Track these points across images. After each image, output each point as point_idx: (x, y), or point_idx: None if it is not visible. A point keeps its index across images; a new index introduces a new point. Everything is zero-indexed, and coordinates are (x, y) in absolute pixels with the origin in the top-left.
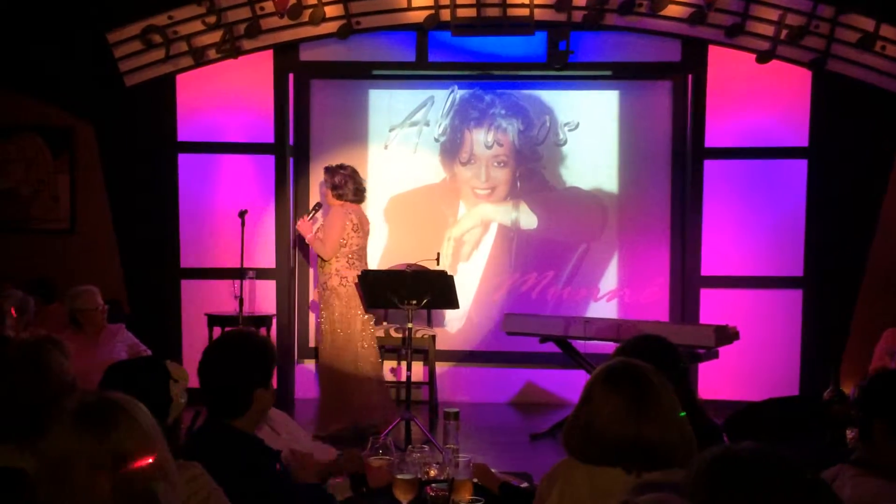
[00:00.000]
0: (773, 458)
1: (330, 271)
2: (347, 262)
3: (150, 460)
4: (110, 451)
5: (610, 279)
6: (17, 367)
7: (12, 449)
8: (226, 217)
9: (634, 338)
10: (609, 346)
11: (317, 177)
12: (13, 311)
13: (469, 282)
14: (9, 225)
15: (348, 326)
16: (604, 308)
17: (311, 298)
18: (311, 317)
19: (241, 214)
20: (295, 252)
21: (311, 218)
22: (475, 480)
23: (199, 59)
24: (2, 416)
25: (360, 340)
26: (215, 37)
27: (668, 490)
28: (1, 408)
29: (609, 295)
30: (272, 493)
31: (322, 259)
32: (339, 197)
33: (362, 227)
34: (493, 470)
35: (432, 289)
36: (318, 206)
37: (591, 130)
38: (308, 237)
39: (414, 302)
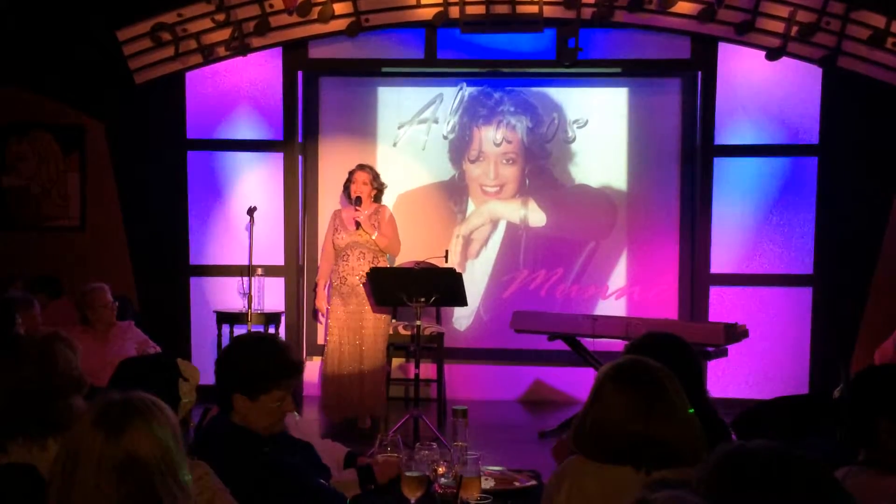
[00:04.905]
0: (785, 456)
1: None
2: None
3: (161, 465)
4: (119, 453)
5: (619, 277)
6: (22, 363)
7: (20, 445)
8: (235, 214)
9: (644, 335)
10: (618, 344)
11: (326, 174)
12: (37, 307)
13: (478, 279)
14: (20, 222)
15: None
16: (612, 306)
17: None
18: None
19: (250, 212)
20: (304, 249)
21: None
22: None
23: (209, 56)
24: (8, 411)
25: None
26: (224, 34)
27: (680, 488)
28: (7, 403)
29: (618, 292)
30: (283, 488)
31: (376, 251)
32: (379, 196)
33: None
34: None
35: (441, 286)
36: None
37: (600, 128)
38: (374, 235)
39: (423, 299)
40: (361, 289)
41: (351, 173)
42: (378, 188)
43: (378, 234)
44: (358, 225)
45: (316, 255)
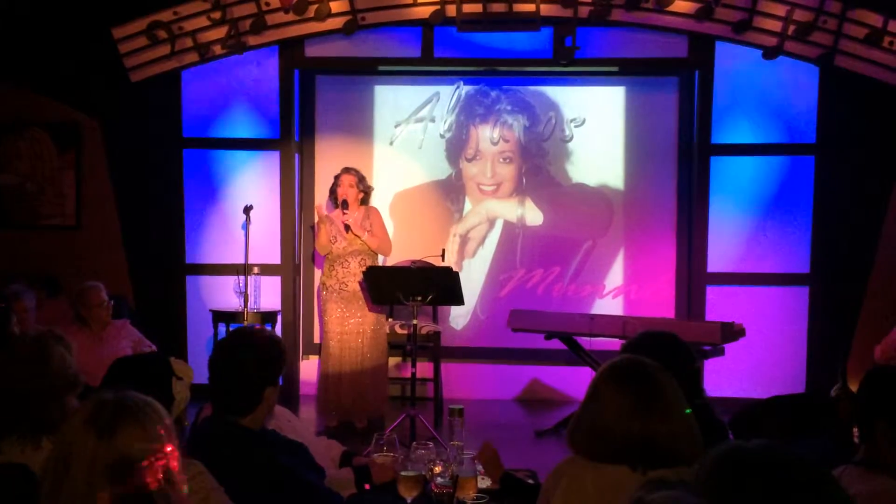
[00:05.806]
0: (782, 455)
1: None
2: None
3: (154, 467)
4: (111, 454)
5: (615, 276)
6: (17, 361)
7: (14, 444)
8: (231, 213)
9: (641, 334)
10: (614, 343)
11: (323, 173)
12: (31, 299)
13: (474, 278)
14: (15, 221)
15: None
16: (609, 305)
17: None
18: (316, 313)
19: (246, 210)
20: (300, 248)
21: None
22: (479, 471)
23: (205, 54)
24: (2, 410)
25: None
26: (220, 32)
27: (677, 487)
28: (1, 402)
29: (615, 291)
30: (281, 487)
31: (375, 257)
32: (366, 199)
33: None
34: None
35: (437, 285)
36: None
37: (597, 126)
38: (365, 236)
39: (419, 298)
40: (362, 293)
41: (336, 177)
42: (364, 191)
43: (369, 235)
44: (347, 228)
45: (312, 254)
